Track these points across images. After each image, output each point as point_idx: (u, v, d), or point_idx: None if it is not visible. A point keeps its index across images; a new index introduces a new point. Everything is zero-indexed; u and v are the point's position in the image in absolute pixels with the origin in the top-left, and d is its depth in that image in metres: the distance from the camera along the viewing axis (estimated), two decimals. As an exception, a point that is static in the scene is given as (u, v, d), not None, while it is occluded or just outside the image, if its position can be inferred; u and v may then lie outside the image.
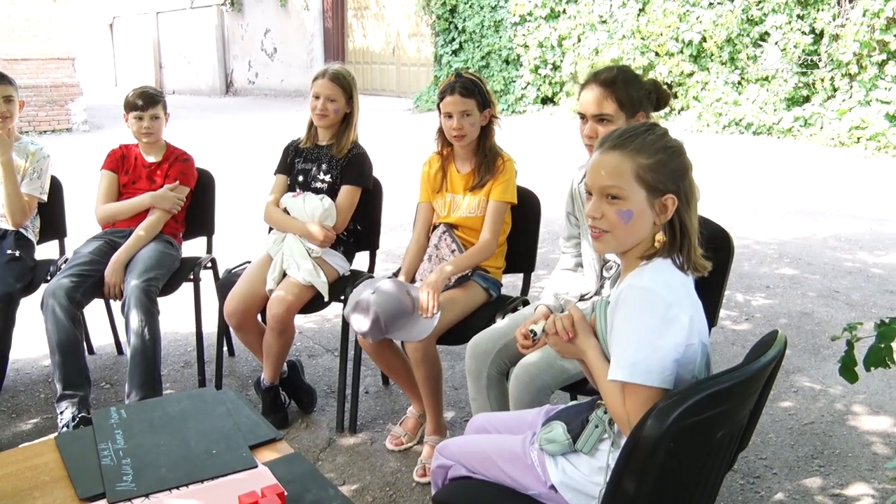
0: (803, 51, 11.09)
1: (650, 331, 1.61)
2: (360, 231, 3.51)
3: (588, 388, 2.45)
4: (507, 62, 15.00)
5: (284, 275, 3.24)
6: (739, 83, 11.97)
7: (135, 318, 3.19)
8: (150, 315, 3.23)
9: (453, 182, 3.12)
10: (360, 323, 2.85)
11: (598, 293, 2.62)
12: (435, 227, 3.14)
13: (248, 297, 3.23)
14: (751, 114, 11.51)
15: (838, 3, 10.87)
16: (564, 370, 2.40)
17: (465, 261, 3.00)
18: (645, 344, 1.61)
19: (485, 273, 3.09)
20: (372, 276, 3.35)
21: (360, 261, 3.55)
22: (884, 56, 10.41)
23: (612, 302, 1.71)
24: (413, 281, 3.08)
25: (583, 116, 2.45)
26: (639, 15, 12.88)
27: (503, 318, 2.82)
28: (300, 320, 4.21)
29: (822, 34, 11.09)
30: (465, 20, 15.32)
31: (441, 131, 3.09)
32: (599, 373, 1.73)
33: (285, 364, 3.41)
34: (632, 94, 2.39)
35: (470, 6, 15.24)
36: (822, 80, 11.06)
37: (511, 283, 3.43)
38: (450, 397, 3.54)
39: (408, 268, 3.11)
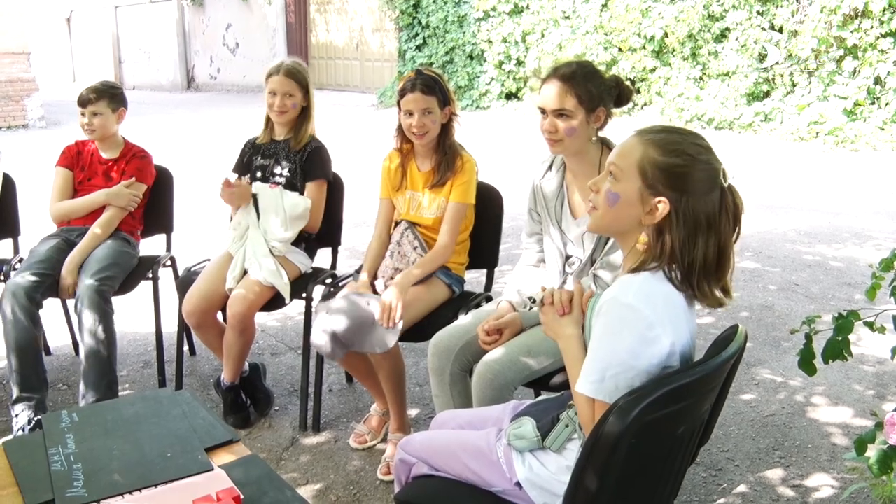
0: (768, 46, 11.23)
1: (626, 350, 1.55)
2: (322, 227, 3.47)
3: (552, 384, 2.45)
4: (470, 57, 14.99)
5: (245, 272, 3.20)
6: (701, 78, 12.08)
7: (88, 319, 3.12)
8: (104, 315, 3.16)
9: (413, 179, 3.09)
10: (323, 345, 2.81)
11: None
12: (397, 224, 3.11)
13: (208, 295, 3.18)
14: (712, 109, 11.61)
15: (796, 0, 11.01)
16: (527, 367, 2.39)
17: (423, 267, 2.96)
18: (618, 362, 1.55)
19: (448, 269, 3.07)
20: (332, 283, 3.31)
21: (323, 257, 3.52)
22: (841, 52, 10.56)
23: (598, 306, 1.64)
24: (375, 277, 3.05)
25: (543, 111, 2.44)
26: (601, 10, 12.94)
27: (466, 314, 2.81)
28: (263, 318, 4.17)
29: (780, 30, 11.23)
30: (428, 15, 15.27)
31: (400, 129, 3.06)
32: (572, 372, 1.71)
33: (246, 364, 3.36)
34: (591, 90, 2.38)
35: (434, 1, 15.20)
36: (782, 76, 11.20)
37: (474, 280, 3.42)
38: (414, 394, 3.52)
39: (370, 265, 3.08)
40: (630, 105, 2.75)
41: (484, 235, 3.19)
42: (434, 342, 2.63)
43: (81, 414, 1.85)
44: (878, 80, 10.34)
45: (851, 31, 10.37)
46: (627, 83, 2.46)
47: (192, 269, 3.41)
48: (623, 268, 1.74)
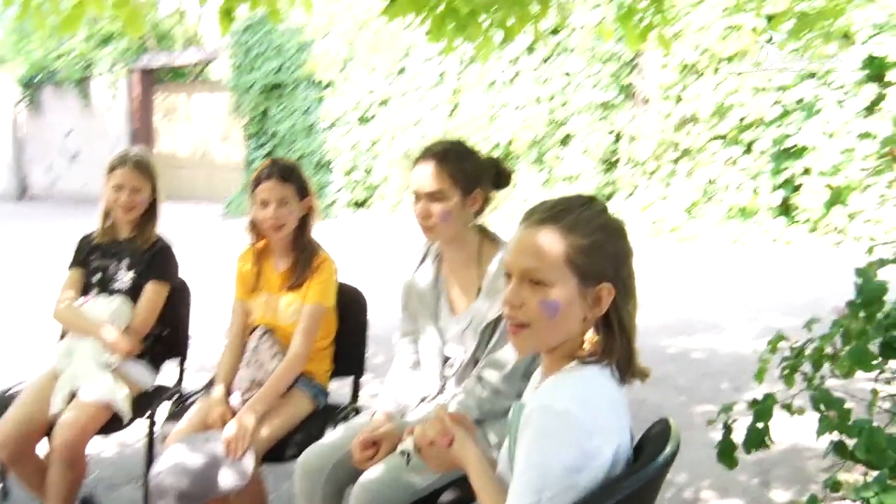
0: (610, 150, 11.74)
1: (563, 466, 1.29)
2: (167, 337, 3.10)
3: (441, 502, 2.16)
4: (319, 166, 14.88)
5: (74, 395, 2.76)
6: (547, 181, 12.43)
7: None
8: None
9: (269, 281, 2.81)
10: None
11: (440, 393, 2.37)
12: (253, 330, 2.79)
13: (27, 422, 2.71)
14: (560, 211, 11.91)
15: (634, 106, 11.62)
16: (411, 485, 2.10)
17: (275, 386, 2.63)
18: (554, 481, 1.29)
19: (310, 379, 2.76)
20: (179, 399, 2.93)
21: (168, 374, 3.12)
22: (677, 154, 11.16)
23: (523, 416, 1.37)
24: (230, 392, 2.69)
25: (416, 196, 2.24)
26: (449, 117, 13.22)
27: (335, 428, 2.50)
28: (96, 445, 3.66)
29: (619, 135, 11.78)
30: (277, 123, 15.15)
31: (253, 224, 2.79)
32: (485, 489, 1.42)
33: (78, 502, 2.87)
34: (466, 169, 2.21)
35: (282, 109, 15.11)
36: (623, 178, 11.70)
37: (336, 391, 3.12)
38: (276, 524, 3.12)
39: (224, 376, 2.71)
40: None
41: (348, 340, 2.93)
42: (301, 462, 2.30)
43: None
44: (710, 181, 10.96)
45: (686, 134, 11.00)
46: (507, 165, 2.31)
47: (7, 393, 2.93)
48: (545, 371, 1.49)
